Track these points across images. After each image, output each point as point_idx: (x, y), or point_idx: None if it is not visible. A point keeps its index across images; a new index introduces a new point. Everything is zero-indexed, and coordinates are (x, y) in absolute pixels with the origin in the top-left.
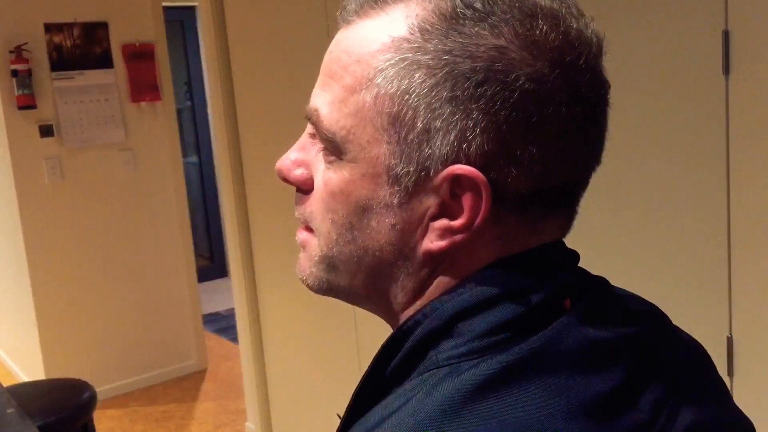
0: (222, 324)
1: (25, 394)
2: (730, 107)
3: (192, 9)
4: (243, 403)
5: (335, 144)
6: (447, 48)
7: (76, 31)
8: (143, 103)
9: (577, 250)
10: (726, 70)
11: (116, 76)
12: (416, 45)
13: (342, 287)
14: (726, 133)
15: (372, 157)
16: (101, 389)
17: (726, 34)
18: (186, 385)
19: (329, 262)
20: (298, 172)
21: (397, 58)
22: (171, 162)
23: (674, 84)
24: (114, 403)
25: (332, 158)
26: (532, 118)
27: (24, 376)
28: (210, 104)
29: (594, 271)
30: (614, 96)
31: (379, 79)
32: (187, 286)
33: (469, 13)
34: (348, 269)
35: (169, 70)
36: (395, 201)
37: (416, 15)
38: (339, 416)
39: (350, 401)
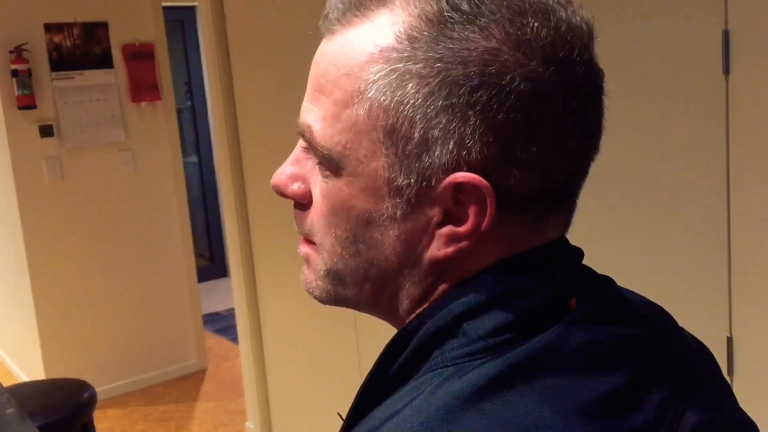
0: (222, 324)
1: (25, 394)
2: (730, 107)
3: (192, 9)
4: (243, 403)
5: (332, 160)
6: (438, 55)
7: (76, 31)
8: (143, 103)
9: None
10: (726, 70)
11: (116, 76)
12: (406, 54)
13: (349, 298)
14: (726, 133)
15: (371, 171)
16: (101, 389)
17: (726, 34)
18: (186, 385)
19: (335, 275)
20: (295, 187)
21: (387, 69)
22: (171, 162)
23: (674, 84)
24: (114, 403)
25: (329, 173)
26: (530, 118)
27: (24, 376)
28: (210, 104)
29: (598, 271)
30: (614, 96)
31: (371, 92)
32: (187, 286)
33: (456, 16)
34: (354, 281)
35: (169, 70)
36: (398, 213)
37: (402, 22)
38: (340, 415)
39: (354, 401)
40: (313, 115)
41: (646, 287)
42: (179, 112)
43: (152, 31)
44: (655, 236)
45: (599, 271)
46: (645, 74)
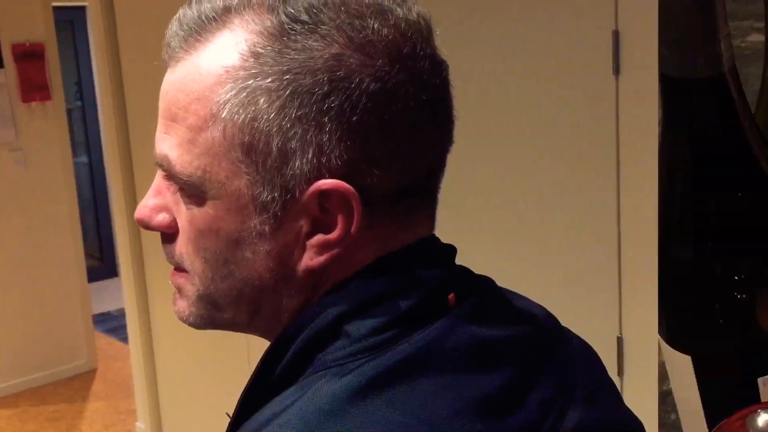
0: (112, 324)
1: None
2: (620, 107)
3: (82, 9)
4: (133, 403)
5: (194, 186)
6: (285, 68)
7: None
8: (33, 103)
9: (471, 251)
10: (617, 70)
11: (6, 75)
12: (253, 71)
13: (225, 320)
14: (616, 132)
15: (234, 191)
16: None
17: (616, 34)
18: (76, 385)
19: (209, 300)
20: (160, 218)
21: (237, 88)
22: (61, 162)
23: (566, 84)
24: (4, 403)
25: (192, 198)
26: (383, 117)
27: None
28: (100, 104)
29: (487, 272)
30: (507, 96)
31: (224, 113)
32: (78, 285)
33: (297, 27)
34: (229, 303)
35: (60, 70)
36: (267, 229)
37: (245, 40)
38: (228, 415)
39: (237, 406)
40: (168, 143)
41: (540, 288)
42: (69, 112)
43: (42, 31)
44: (546, 237)
45: (492, 271)
46: (537, 73)
